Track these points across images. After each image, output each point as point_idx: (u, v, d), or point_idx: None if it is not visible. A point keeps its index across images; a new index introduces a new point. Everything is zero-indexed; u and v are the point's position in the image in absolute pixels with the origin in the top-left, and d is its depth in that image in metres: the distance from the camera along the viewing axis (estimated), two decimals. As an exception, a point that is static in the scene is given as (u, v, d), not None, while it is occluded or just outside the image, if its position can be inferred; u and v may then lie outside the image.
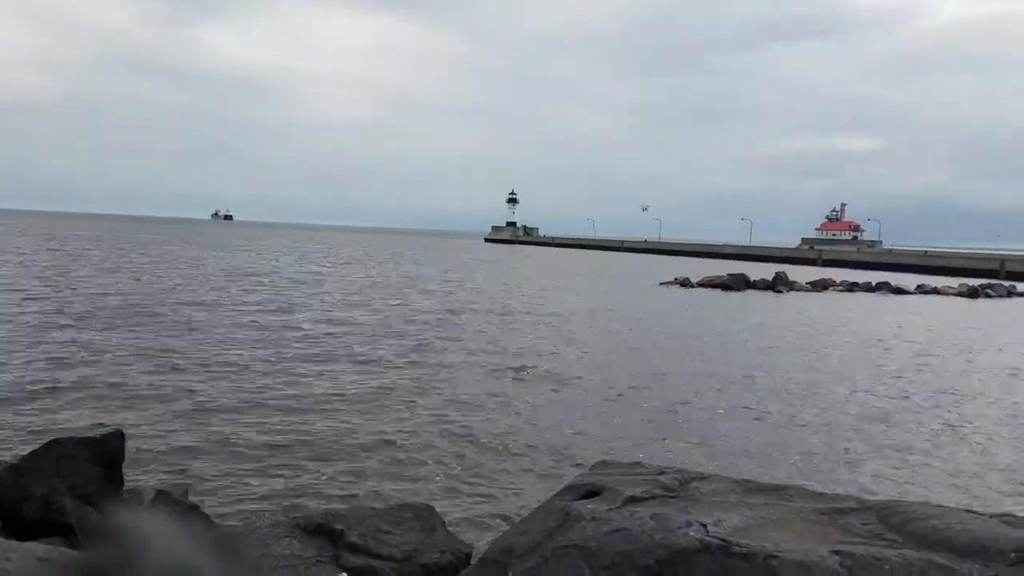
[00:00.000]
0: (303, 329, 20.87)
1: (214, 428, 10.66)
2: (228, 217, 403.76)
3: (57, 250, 55.38)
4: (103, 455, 5.62)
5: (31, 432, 9.78)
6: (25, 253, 49.47)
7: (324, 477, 8.97)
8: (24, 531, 5.04)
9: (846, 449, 11.27)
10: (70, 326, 19.09)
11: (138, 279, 34.29)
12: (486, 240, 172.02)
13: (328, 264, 57.31)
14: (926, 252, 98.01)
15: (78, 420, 10.54)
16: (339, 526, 5.19)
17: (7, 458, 6.07)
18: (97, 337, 17.63)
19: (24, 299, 24.24)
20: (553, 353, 18.86)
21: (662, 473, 4.53)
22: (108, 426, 6.20)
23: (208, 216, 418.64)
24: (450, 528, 5.90)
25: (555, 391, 14.41)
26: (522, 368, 16.56)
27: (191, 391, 12.76)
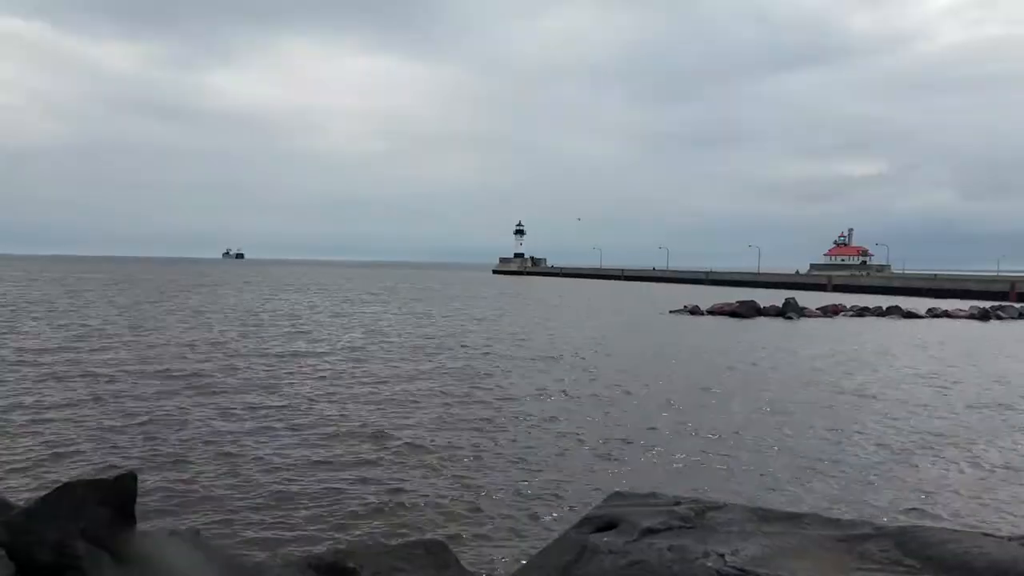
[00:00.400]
0: (316, 366, 20.88)
1: (227, 471, 10.64)
2: (240, 255, 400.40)
3: (72, 295, 55.71)
4: (116, 498, 5.59)
5: (43, 475, 9.78)
6: (50, 301, 49.77)
7: (335, 515, 8.92)
8: (37, 576, 5.02)
9: (863, 476, 11.16)
10: (88, 372, 19.16)
11: (150, 323, 34.47)
12: (494, 272, 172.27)
13: (348, 301, 57.52)
14: (936, 276, 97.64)
15: (90, 463, 10.54)
16: (351, 564, 5.15)
17: (19, 503, 6.06)
18: (112, 383, 17.68)
19: (41, 347, 24.35)
20: (567, 383, 18.80)
21: (678, 503, 4.49)
22: (120, 468, 6.20)
23: (219, 255, 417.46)
24: (464, 564, 5.85)
25: (569, 424, 14.34)
26: (536, 400, 16.52)
27: (205, 433, 12.76)
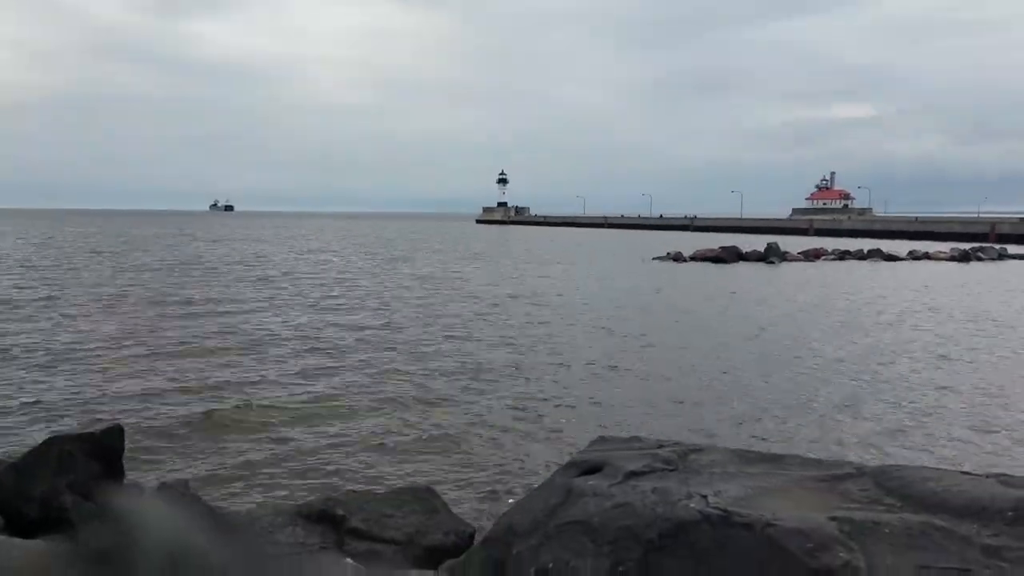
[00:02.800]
0: (292, 314, 20.86)
1: (212, 422, 10.64)
2: (229, 208, 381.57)
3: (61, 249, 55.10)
4: (102, 451, 5.62)
5: (31, 429, 9.77)
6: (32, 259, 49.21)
7: (323, 463, 8.98)
8: (26, 529, 5.05)
9: (842, 417, 11.34)
10: (80, 318, 19.05)
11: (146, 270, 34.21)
12: (477, 221, 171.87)
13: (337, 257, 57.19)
14: (917, 218, 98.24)
15: (78, 416, 10.53)
16: (341, 512, 5.22)
17: (7, 457, 6.07)
18: (102, 334, 17.59)
19: (37, 298, 24.15)
20: (548, 331, 18.89)
21: (661, 447, 4.54)
22: (106, 421, 6.20)
23: (206, 208, 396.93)
24: (451, 509, 5.93)
25: (552, 369, 14.43)
26: (518, 348, 16.61)
27: (189, 386, 12.76)
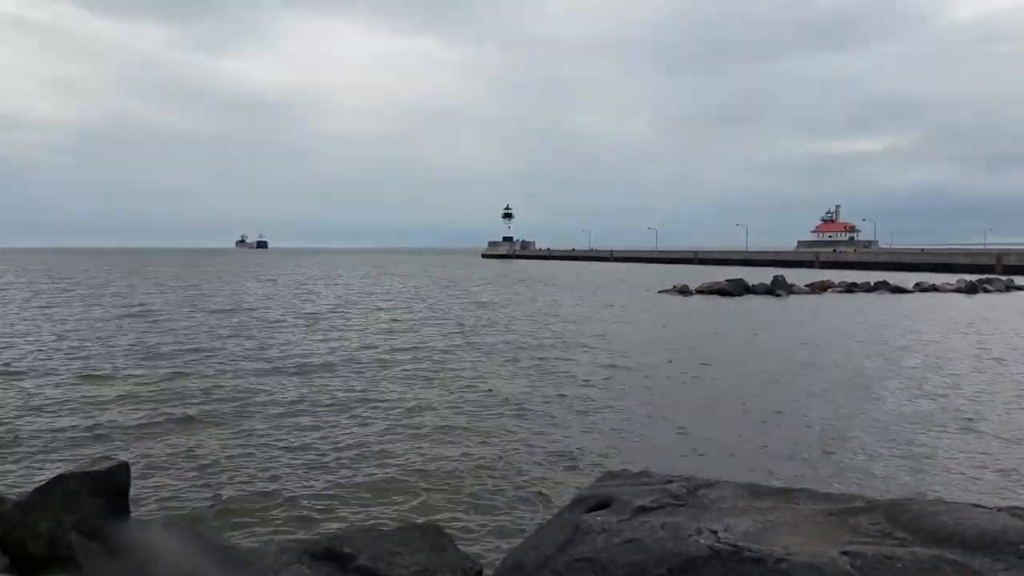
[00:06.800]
0: (293, 346, 20.86)
1: (217, 460, 10.61)
2: (262, 244, 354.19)
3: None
4: (109, 489, 5.60)
5: (36, 466, 9.76)
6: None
7: (329, 500, 8.93)
8: (31, 568, 5.02)
9: (854, 449, 11.25)
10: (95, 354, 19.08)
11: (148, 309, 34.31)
12: (483, 256, 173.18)
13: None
14: (923, 250, 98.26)
15: (83, 454, 10.51)
16: (348, 549, 5.18)
17: (13, 495, 6.05)
18: (108, 368, 17.62)
19: (47, 338, 24.22)
20: (557, 364, 18.84)
21: (670, 482, 4.52)
22: (113, 459, 6.18)
23: (232, 244, 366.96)
24: (459, 546, 5.88)
25: (558, 404, 14.37)
26: (526, 380, 16.55)
27: (192, 422, 12.74)
